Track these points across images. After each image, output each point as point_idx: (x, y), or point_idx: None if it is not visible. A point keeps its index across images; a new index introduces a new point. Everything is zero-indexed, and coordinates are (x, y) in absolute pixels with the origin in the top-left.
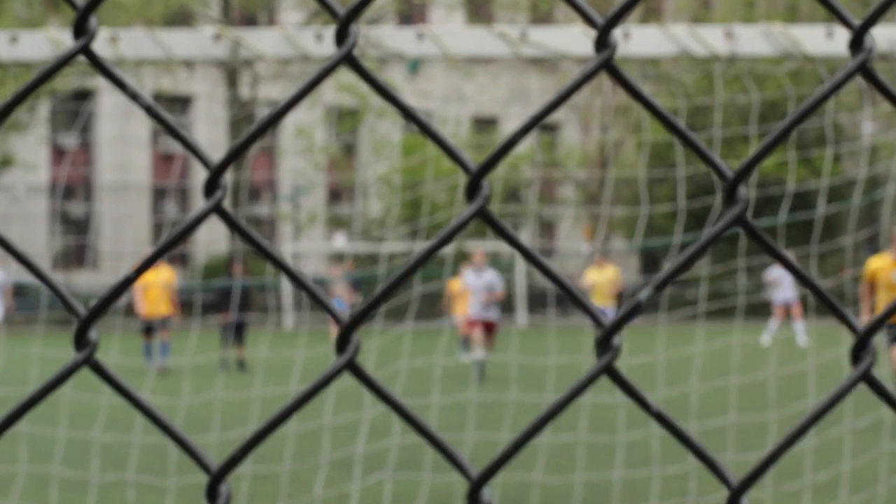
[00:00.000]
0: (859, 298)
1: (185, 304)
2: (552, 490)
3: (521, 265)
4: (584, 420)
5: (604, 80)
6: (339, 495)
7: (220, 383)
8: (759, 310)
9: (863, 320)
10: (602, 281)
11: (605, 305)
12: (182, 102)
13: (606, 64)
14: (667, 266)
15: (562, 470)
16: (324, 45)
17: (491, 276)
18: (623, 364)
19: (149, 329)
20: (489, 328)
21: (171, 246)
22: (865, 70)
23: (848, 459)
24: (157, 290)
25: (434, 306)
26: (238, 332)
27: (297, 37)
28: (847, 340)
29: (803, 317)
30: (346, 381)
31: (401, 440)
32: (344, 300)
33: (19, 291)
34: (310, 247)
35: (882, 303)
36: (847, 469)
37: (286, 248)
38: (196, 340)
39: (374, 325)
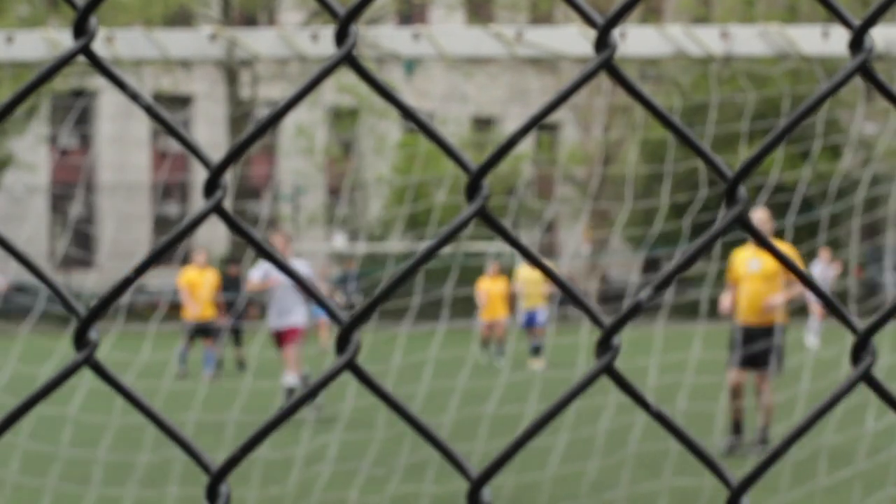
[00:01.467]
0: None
1: (180, 304)
2: (563, 483)
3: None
4: (603, 420)
5: (604, 80)
6: (337, 499)
7: (217, 384)
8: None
9: (724, 303)
10: (532, 279)
11: (535, 306)
12: (182, 102)
13: (606, 64)
14: (666, 266)
15: (572, 469)
16: (320, 45)
17: (300, 267)
18: (620, 364)
19: (196, 333)
20: (289, 336)
21: (171, 246)
22: (865, 70)
23: (862, 461)
24: (205, 291)
25: (432, 306)
26: (235, 333)
27: (293, 37)
28: (844, 341)
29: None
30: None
31: (410, 450)
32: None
33: (19, 290)
34: (310, 247)
35: (741, 295)
36: (862, 469)
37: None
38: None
39: (367, 326)
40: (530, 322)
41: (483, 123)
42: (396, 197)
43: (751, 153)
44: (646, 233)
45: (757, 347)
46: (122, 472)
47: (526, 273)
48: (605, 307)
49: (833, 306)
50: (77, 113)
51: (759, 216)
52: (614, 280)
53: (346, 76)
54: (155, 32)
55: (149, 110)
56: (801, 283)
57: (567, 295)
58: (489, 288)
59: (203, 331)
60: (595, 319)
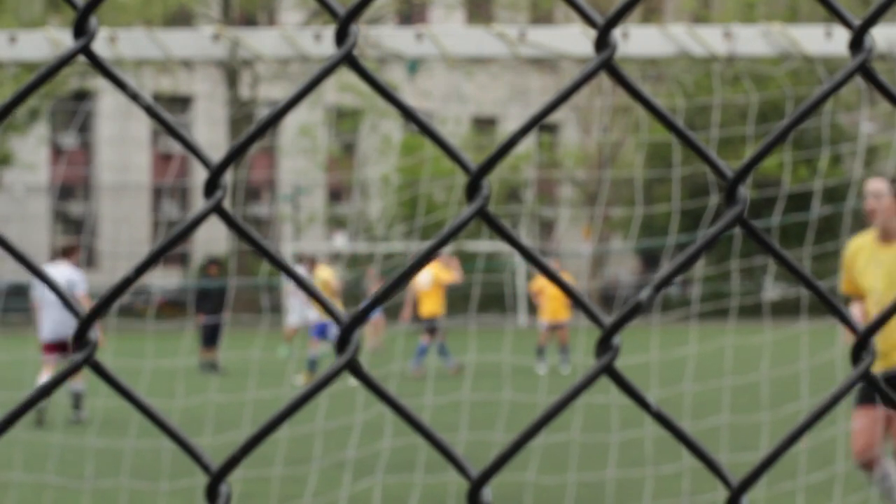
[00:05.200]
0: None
1: (180, 304)
2: (546, 490)
3: (522, 266)
4: (578, 420)
5: (604, 80)
6: (329, 500)
7: (215, 385)
8: (754, 311)
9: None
10: (321, 283)
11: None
12: (182, 102)
13: (606, 64)
14: (666, 266)
15: (556, 470)
16: (322, 45)
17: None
18: (617, 364)
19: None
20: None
21: (171, 246)
22: (865, 70)
23: (842, 461)
24: (440, 288)
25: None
26: (211, 334)
27: (295, 37)
28: (840, 342)
29: None
30: (339, 384)
31: (392, 443)
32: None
33: (17, 292)
34: (310, 247)
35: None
36: (841, 471)
37: (286, 248)
38: (190, 341)
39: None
40: (322, 332)
41: (483, 123)
42: (400, 196)
43: (751, 152)
44: (646, 233)
45: None
46: (112, 462)
47: (322, 275)
48: (604, 308)
49: (834, 307)
50: (81, 118)
51: (877, 188)
52: (615, 280)
53: (348, 75)
54: (157, 32)
55: (149, 110)
56: (803, 284)
57: (567, 294)
58: (546, 286)
59: (432, 328)
60: (595, 319)
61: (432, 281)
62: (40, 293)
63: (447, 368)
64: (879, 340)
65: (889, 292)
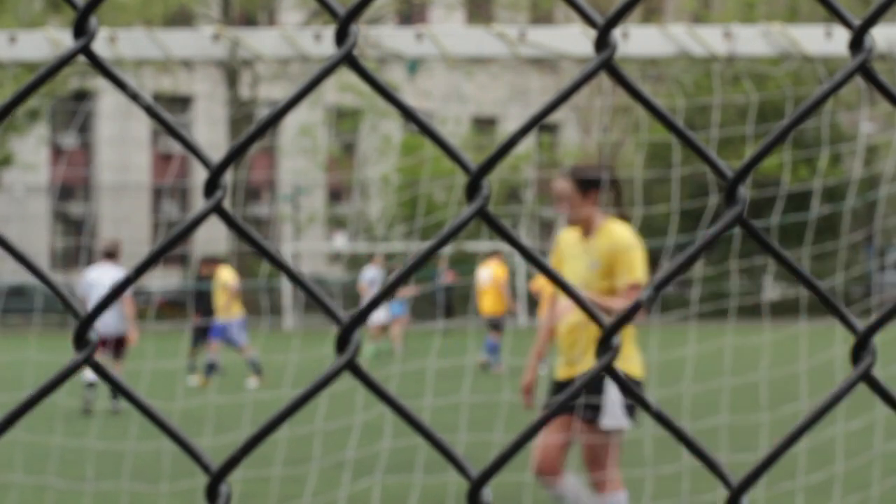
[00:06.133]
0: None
1: (179, 304)
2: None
3: (522, 266)
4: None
5: (604, 80)
6: (329, 500)
7: (214, 385)
8: (753, 311)
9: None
10: (217, 285)
11: (228, 317)
12: (182, 102)
13: (606, 64)
14: (666, 266)
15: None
16: (322, 45)
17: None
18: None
19: (493, 326)
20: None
21: (171, 246)
22: (865, 70)
23: (841, 461)
24: (502, 287)
25: (428, 305)
26: (204, 334)
27: (295, 37)
28: (840, 342)
29: None
30: (339, 384)
31: (392, 443)
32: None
33: (18, 292)
34: (310, 247)
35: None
36: (840, 471)
37: (286, 248)
38: (190, 342)
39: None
40: (221, 334)
41: (483, 123)
42: (400, 196)
43: (751, 152)
44: (646, 234)
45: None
46: (113, 463)
47: (222, 276)
48: None
49: (834, 307)
50: (81, 117)
51: (560, 189)
52: None
53: (348, 75)
54: (157, 32)
55: (149, 110)
56: (803, 284)
57: (567, 294)
58: (544, 286)
59: (495, 324)
60: (596, 320)
61: (491, 279)
62: (85, 289)
63: (493, 365)
64: (568, 347)
65: (592, 281)
